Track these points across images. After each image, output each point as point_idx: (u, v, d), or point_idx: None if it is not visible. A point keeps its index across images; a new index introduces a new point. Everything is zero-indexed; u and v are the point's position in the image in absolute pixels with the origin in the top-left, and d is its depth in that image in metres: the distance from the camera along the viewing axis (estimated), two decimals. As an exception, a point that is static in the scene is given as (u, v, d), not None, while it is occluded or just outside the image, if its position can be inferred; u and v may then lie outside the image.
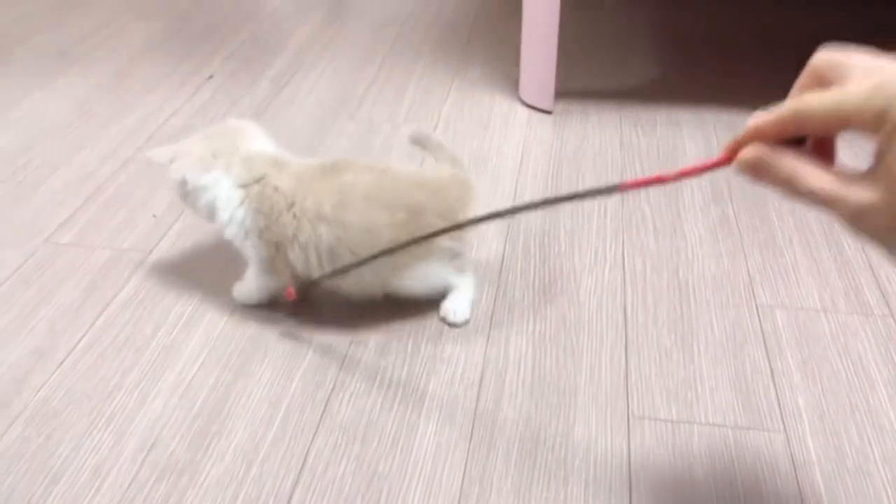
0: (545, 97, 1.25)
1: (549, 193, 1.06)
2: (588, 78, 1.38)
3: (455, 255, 0.84)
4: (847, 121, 0.43)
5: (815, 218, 1.00)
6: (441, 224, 0.76)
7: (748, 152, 0.47)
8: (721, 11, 1.65)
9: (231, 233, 0.82)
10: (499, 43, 1.52)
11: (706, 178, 1.07)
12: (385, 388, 0.77)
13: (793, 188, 0.46)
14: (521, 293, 0.89)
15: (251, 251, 0.83)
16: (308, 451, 0.70)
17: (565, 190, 1.06)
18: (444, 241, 0.80)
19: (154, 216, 1.01)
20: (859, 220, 0.43)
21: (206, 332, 0.83)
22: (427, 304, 0.87)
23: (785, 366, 0.79)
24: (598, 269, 0.92)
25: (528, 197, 1.05)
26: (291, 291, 0.82)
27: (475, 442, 0.71)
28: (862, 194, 0.42)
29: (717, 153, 0.50)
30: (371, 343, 0.82)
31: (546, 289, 0.89)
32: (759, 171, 0.47)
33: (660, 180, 0.55)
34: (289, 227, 0.79)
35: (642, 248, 0.95)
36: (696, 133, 1.19)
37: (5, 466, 0.69)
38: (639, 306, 0.87)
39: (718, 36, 1.54)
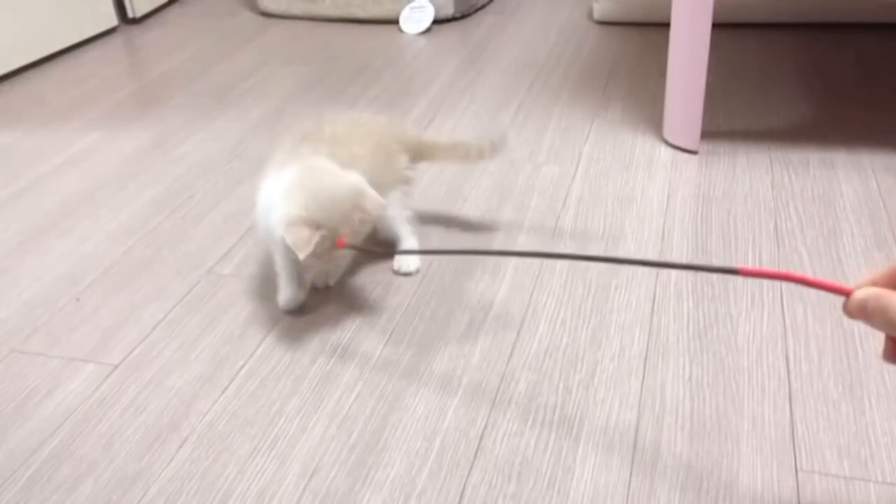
0: (691, 137, 1.23)
1: (700, 235, 1.03)
2: (733, 117, 1.35)
3: (407, 182, 1.01)
4: None
5: None
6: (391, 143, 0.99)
7: (860, 293, 0.54)
8: (874, 45, 1.58)
9: None
10: (638, 83, 1.51)
11: (868, 222, 1.02)
12: (538, 429, 0.76)
13: (888, 320, 0.52)
14: (676, 336, 0.86)
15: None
16: (464, 487, 0.71)
17: (716, 232, 1.04)
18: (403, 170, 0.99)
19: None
20: None
21: (360, 363, 0.86)
22: (577, 345, 0.86)
23: (970, 425, 0.73)
24: (756, 314, 0.89)
25: (676, 238, 1.03)
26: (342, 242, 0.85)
27: (634, 488, 0.69)
28: None
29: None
30: (521, 383, 0.82)
31: (701, 333, 0.87)
32: (864, 310, 0.53)
33: (786, 277, 0.58)
34: None
35: (802, 294, 0.91)
36: (853, 176, 1.14)
37: (178, 485, 0.73)
38: (802, 355, 0.83)
39: (872, 72, 1.47)
